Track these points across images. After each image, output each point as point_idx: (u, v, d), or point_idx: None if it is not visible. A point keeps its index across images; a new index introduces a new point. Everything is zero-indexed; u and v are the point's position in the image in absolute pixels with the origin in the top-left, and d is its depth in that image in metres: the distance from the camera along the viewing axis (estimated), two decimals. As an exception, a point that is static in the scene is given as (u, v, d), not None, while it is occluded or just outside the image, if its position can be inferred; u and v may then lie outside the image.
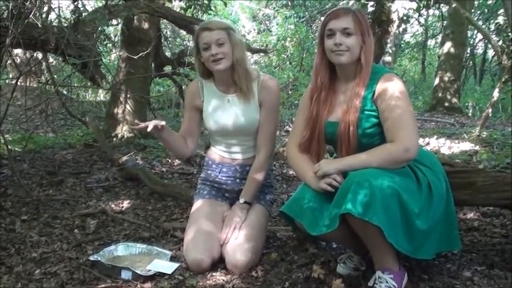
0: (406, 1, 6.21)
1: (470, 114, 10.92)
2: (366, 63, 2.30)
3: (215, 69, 2.70)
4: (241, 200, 2.76)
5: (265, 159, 2.78)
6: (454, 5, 6.78)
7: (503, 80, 6.41)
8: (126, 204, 3.88)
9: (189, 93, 2.95)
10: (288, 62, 13.28)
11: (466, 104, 11.86)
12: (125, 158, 4.81)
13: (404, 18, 6.40)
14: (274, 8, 15.44)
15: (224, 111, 2.81)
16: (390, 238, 2.01)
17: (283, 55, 13.53)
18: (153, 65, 6.99)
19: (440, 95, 10.91)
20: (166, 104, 10.09)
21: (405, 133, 2.17)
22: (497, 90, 6.55)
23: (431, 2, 7.27)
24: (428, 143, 6.07)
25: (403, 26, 6.76)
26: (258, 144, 2.79)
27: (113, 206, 3.83)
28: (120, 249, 2.82)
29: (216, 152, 2.94)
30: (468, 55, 15.66)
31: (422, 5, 6.80)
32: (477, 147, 5.57)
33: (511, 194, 2.49)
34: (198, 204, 2.87)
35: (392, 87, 2.25)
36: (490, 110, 6.60)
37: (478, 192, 2.57)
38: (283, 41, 13.67)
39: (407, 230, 2.09)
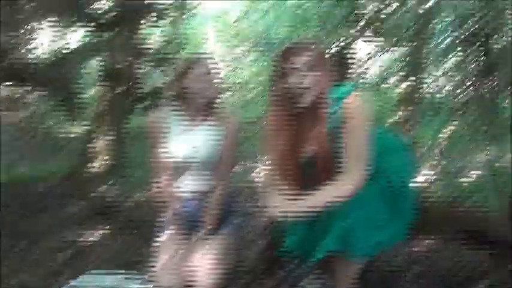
0: (367, 42, 6.37)
1: (425, 147, 11.09)
2: (323, 99, 2.23)
3: (201, 100, 2.74)
4: (203, 233, 2.77)
5: (222, 193, 2.79)
6: (409, 49, 6.99)
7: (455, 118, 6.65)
8: (98, 234, 3.84)
9: (153, 124, 2.89)
10: (260, 97, 13.37)
11: (422, 138, 12.03)
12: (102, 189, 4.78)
13: (366, 59, 6.57)
14: (243, 48, 15.53)
15: (187, 144, 2.79)
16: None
17: (254, 92, 13.63)
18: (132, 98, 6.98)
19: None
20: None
21: (353, 166, 2.17)
22: (448, 129, 6.79)
23: (391, 44, 7.48)
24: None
25: (364, 66, 6.92)
26: (216, 178, 2.80)
27: (86, 236, 3.78)
28: (92, 279, 2.78)
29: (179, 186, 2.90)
30: (424, 92, 15.97)
31: (382, 47, 6.98)
32: (430, 180, 5.68)
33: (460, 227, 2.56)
34: (167, 234, 2.87)
35: (351, 113, 2.20)
36: (441, 147, 6.78)
37: (431, 223, 2.64)
38: (254, 78, 13.79)
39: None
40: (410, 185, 2.47)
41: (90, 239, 3.78)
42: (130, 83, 6.23)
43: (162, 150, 2.83)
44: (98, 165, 6.20)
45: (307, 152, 2.34)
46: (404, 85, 10.59)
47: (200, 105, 2.78)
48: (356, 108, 2.20)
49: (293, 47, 2.25)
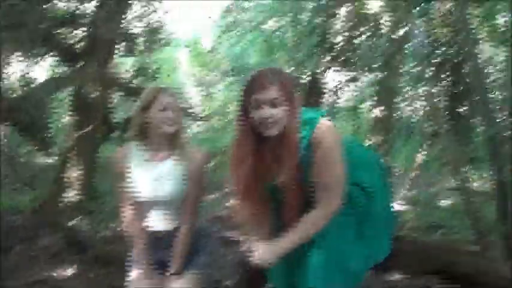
0: (337, 73, 6.46)
1: (399, 173, 11.21)
2: (291, 130, 2.11)
3: (165, 131, 2.60)
4: (171, 271, 2.65)
5: (190, 230, 2.67)
6: (381, 76, 7.10)
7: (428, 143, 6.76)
8: (70, 270, 3.77)
9: (118, 160, 2.71)
10: (231, 125, 13.45)
11: (396, 164, 12.17)
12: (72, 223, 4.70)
13: (335, 89, 6.65)
14: (216, 75, 15.66)
15: (151, 179, 2.66)
16: None
17: (225, 119, 13.69)
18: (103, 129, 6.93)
19: (372, 155, 11.18)
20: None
21: (328, 196, 2.12)
22: (421, 154, 6.89)
23: (362, 72, 7.58)
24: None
25: (336, 95, 6.99)
26: (183, 214, 2.68)
27: (57, 272, 3.71)
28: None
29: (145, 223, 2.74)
30: (396, 118, 16.19)
31: (353, 76, 7.08)
32: (403, 207, 5.73)
33: (433, 262, 2.56)
34: (136, 271, 2.71)
35: (322, 141, 2.10)
36: (415, 173, 6.87)
37: (403, 260, 2.62)
38: (225, 106, 13.87)
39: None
40: (388, 203, 2.44)
41: (62, 273, 3.70)
42: (101, 114, 6.17)
43: (127, 186, 2.70)
44: (68, 197, 6.10)
45: (274, 180, 2.19)
46: (377, 111, 10.79)
47: (164, 138, 2.73)
48: (326, 134, 2.12)
49: (259, 79, 2.13)
